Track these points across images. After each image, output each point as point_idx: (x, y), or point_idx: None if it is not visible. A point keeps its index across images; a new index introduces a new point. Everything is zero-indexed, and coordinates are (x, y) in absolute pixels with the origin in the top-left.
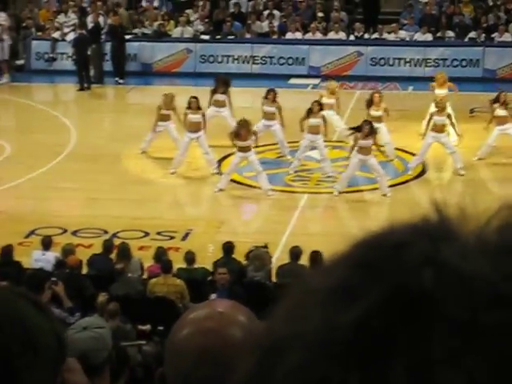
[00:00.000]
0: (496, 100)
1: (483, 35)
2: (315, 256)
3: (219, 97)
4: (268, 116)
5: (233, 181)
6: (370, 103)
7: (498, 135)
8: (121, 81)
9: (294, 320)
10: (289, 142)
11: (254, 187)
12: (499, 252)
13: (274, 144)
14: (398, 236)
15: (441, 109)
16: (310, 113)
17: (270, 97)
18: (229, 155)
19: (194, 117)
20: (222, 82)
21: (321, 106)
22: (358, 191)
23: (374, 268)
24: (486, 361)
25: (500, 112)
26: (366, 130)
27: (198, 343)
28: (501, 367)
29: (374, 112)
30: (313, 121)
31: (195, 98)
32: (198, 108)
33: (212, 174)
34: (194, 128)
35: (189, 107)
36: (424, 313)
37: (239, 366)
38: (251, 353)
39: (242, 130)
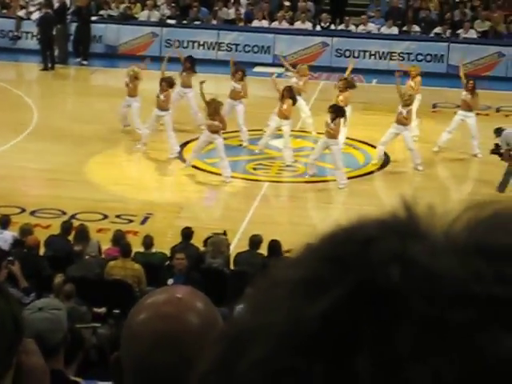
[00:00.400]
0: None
1: (448, 31)
2: (274, 245)
3: (184, 76)
4: (234, 94)
5: (194, 167)
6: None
7: (458, 122)
8: (84, 62)
9: (260, 311)
10: (251, 130)
11: (216, 174)
12: (468, 250)
13: (236, 131)
14: (367, 231)
15: (409, 102)
16: (281, 97)
17: (238, 75)
18: (191, 141)
19: (162, 96)
20: (189, 62)
21: (291, 92)
22: (322, 181)
23: (341, 262)
24: (453, 359)
25: (465, 97)
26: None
27: (155, 328)
28: (468, 366)
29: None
30: (282, 106)
31: (165, 79)
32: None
33: (169, 158)
34: (162, 107)
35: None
36: (391, 309)
37: (204, 356)
38: (216, 343)
39: (211, 109)
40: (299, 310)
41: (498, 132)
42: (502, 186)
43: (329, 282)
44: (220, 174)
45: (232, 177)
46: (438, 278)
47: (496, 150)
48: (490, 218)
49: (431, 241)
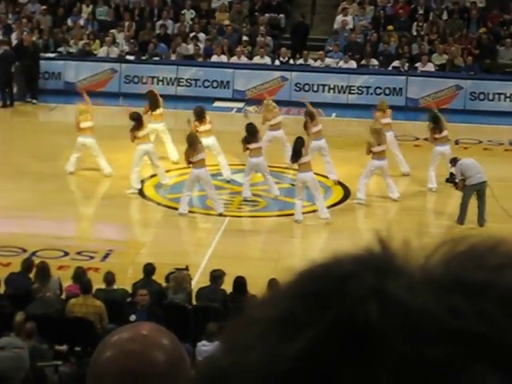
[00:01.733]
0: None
1: (407, 64)
2: (239, 282)
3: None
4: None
5: (155, 202)
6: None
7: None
8: (34, 101)
9: (236, 350)
10: (210, 165)
11: (177, 209)
12: (445, 286)
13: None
14: (344, 267)
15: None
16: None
17: (205, 119)
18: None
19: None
20: (152, 100)
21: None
22: (285, 215)
23: (318, 299)
24: None
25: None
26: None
27: (121, 365)
28: None
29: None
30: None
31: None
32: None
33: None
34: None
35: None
36: (370, 346)
37: None
38: (194, 382)
39: (193, 144)
40: (275, 349)
41: (454, 162)
42: (460, 218)
43: (305, 319)
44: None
45: (193, 212)
46: (416, 314)
47: (451, 179)
48: (466, 252)
49: (408, 276)
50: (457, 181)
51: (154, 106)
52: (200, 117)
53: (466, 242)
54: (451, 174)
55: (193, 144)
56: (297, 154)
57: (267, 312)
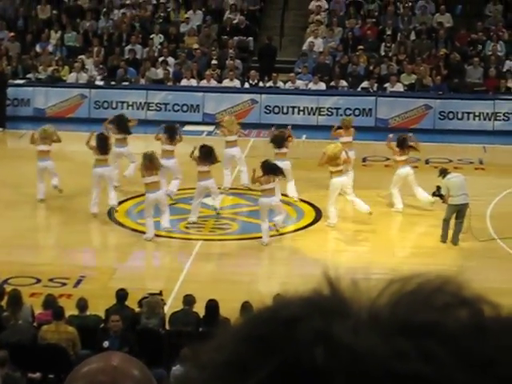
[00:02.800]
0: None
1: (376, 85)
2: (211, 305)
3: (118, 136)
4: (166, 154)
5: (127, 227)
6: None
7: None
8: (0, 129)
9: None
10: (182, 189)
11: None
12: (391, 328)
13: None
14: (291, 310)
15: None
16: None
17: (175, 139)
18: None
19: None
20: (117, 124)
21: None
22: (255, 238)
23: (265, 342)
24: None
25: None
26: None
27: None
28: None
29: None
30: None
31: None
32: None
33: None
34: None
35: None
36: None
37: None
38: None
39: (148, 164)
40: None
41: (443, 173)
42: (443, 236)
43: (253, 363)
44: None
45: (165, 236)
46: (362, 357)
47: (438, 193)
48: (413, 292)
49: (355, 319)
50: (443, 193)
51: (122, 130)
52: (171, 134)
53: (413, 281)
54: (438, 187)
55: (149, 163)
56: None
57: (215, 357)
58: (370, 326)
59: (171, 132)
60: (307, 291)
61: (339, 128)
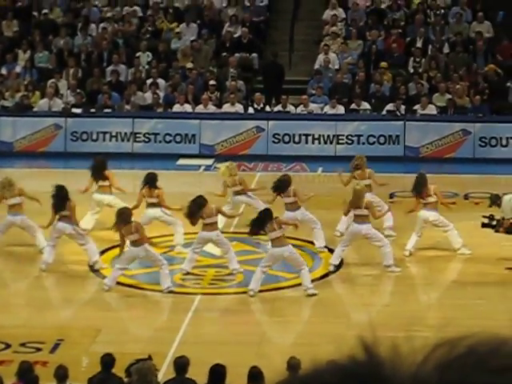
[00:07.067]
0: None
1: (403, 107)
2: (217, 370)
3: (102, 183)
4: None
5: (118, 283)
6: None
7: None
8: None
9: None
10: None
11: (142, 289)
12: None
13: (163, 236)
14: (325, 380)
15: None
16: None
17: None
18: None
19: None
20: (95, 169)
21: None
22: (270, 290)
23: None
24: None
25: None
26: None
27: None
28: None
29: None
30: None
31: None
32: None
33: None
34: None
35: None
36: None
37: None
38: None
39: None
40: None
41: (495, 199)
42: None
43: None
44: (144, 289)
45: (157, 290)
46: None
47: (488, 223)
48: (464, 356)
49: None
50: (498, 219)
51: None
52: (152, 183)
53: (463, 344)
54: (489, 216)
55: (125, 221)
56: (258, 226)
57: None
58: None
59: (152, 181)
60: (341, 358)
61: (357, 168)
